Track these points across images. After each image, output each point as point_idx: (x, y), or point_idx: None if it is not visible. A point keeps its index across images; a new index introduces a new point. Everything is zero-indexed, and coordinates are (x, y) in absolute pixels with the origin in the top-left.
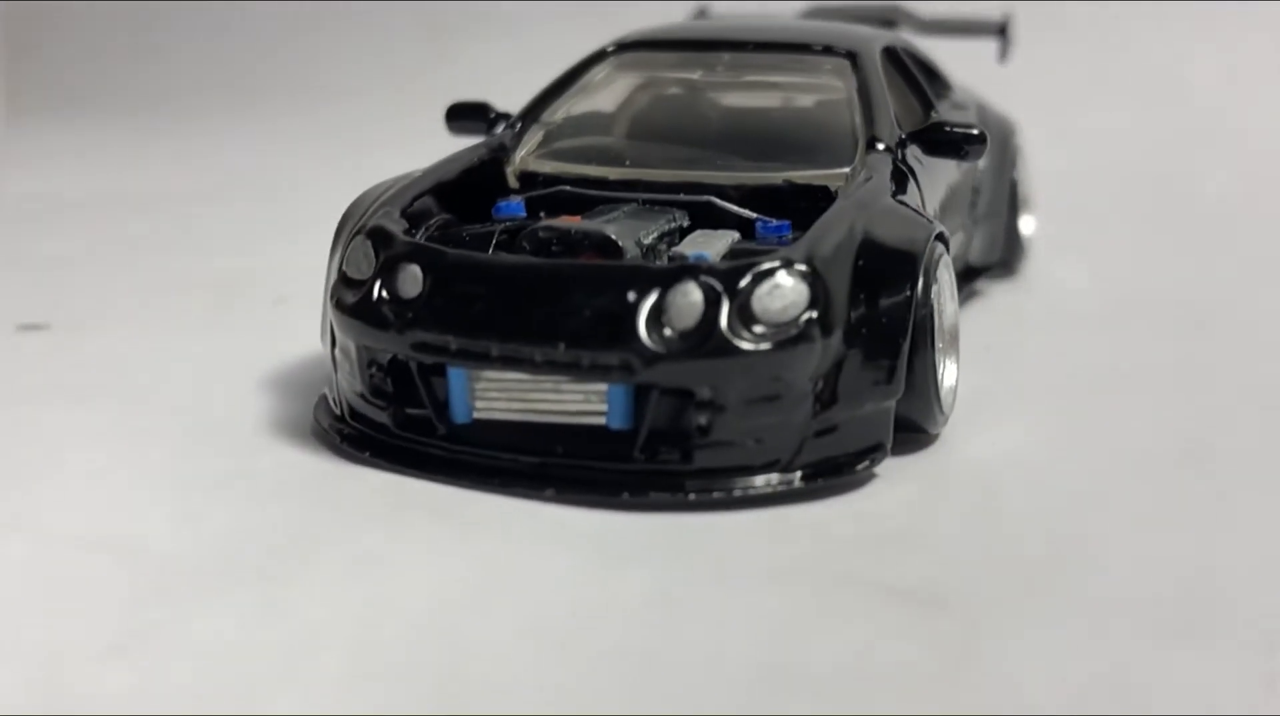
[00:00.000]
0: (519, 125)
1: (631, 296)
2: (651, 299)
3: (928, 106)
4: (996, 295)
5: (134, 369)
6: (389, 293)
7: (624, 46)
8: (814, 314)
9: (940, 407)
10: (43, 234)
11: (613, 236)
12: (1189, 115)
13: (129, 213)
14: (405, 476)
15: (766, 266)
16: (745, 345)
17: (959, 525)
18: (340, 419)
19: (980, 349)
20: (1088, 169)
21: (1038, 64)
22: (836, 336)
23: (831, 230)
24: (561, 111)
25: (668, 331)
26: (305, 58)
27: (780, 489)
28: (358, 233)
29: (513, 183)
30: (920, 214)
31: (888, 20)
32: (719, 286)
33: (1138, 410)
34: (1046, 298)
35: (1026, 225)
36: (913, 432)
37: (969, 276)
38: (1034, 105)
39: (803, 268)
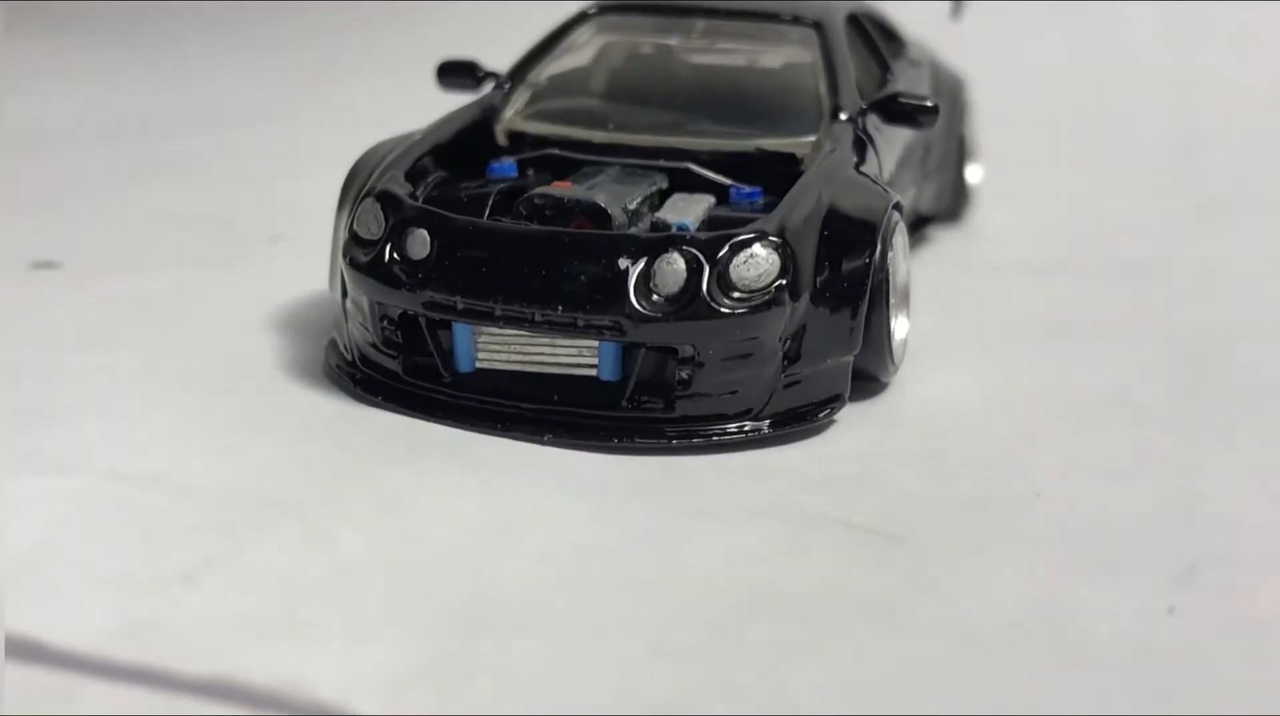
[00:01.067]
0: (507, 86)
1: (622, 264)
2: (640, 266)
3: (885, 69)
4: (944, 240)
5: (148, 310)
6: (399, 254)
7: (605, 9)
8: (784, 281)
9: (892, 359)
10: (34, 163)
11: (602, 204)
12: (1126, 56)
13: (117, 141)
14: (415, 419)
15: (743, 237)
16: (724, 309)
17: (908, 467)
18: (352, 364)
19: (929, 295)
20: (1029, 110)
21: (982, 7)
22: (804, 300)
23: (800, 202)
24: (546, 72)
25: (655, 296)
26: None
27: (752, 436)
28: (366, 195)
29: (502, 140)
30: (878, 184)
31: None
32: (700, 255)
33: (1069, 357)
34: (990, 244)
35: (973, 174)
36: (867, 381)
37: (920, 224)
38: (976, 45)
39: (775, 239)
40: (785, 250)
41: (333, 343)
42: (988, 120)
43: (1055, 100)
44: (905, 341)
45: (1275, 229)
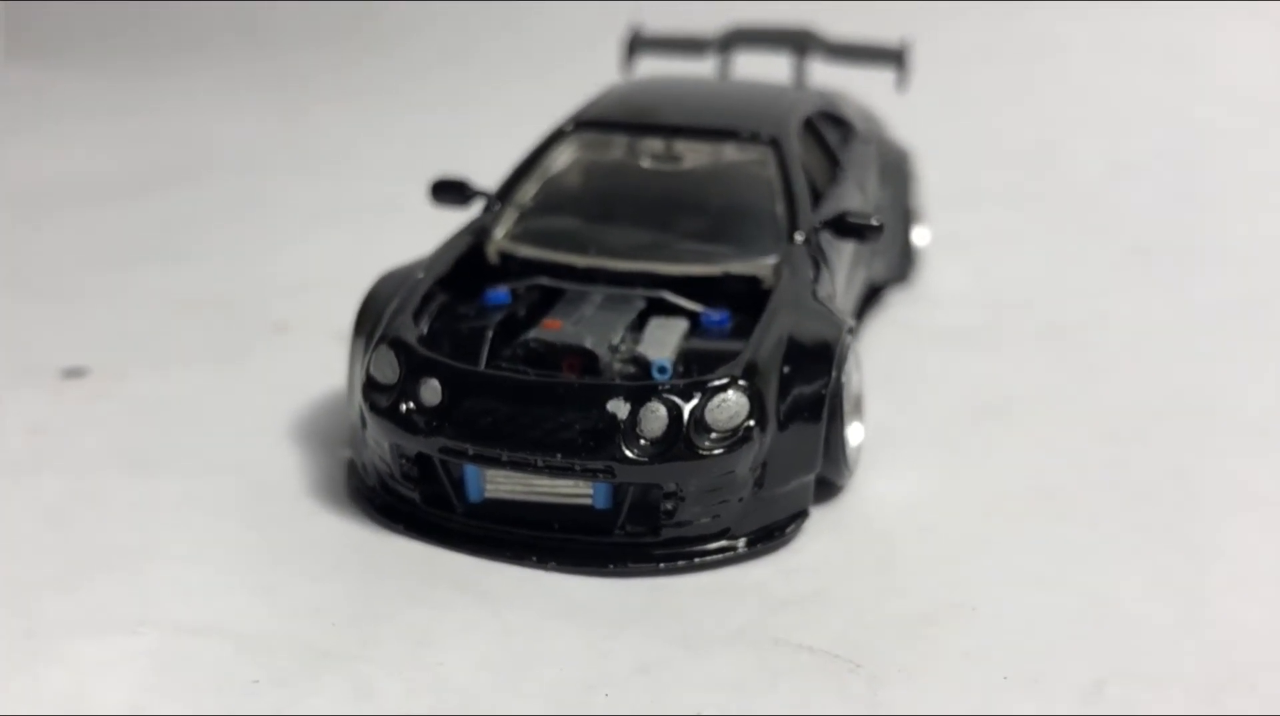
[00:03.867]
0: (496, 206)
1: (610, 411)
2: (626, 414)
3: (836, 164)
4: (895, 306)
5: (174, 421)
6: (414, 401)
7: (580, 126)
8: (753, 421)
9: (847, 465)
10: (34, 232)
11: (590, 347)
12: (1066, 82)
13: (112, 200)
14: (431, 546)
15: (715, 383)
16: (702, 450)
17: (862, 580)
18: (371, 489)
19: (882, 377)
20: (971, 147)
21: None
22: (770, 430)
23: (764, 343)
24: (531, 192)
25: (641, 440)
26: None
27: (729, 555)
28: (381, 340)
29: (494, 259)
30: (831, 309)
31: (800, 44)
32: (679, 402)
33: (1002, 444)
34: (933, 307)
35: (920, 237)
36: (825, 485)
37: (874, 293)
38: (920, 83)
39: (743, 383)
40: (753, 392)
41: (352, 464)
42: (935, 162)
43: (1000, 135)
44: (860, 446)
45: (1197, 277)
